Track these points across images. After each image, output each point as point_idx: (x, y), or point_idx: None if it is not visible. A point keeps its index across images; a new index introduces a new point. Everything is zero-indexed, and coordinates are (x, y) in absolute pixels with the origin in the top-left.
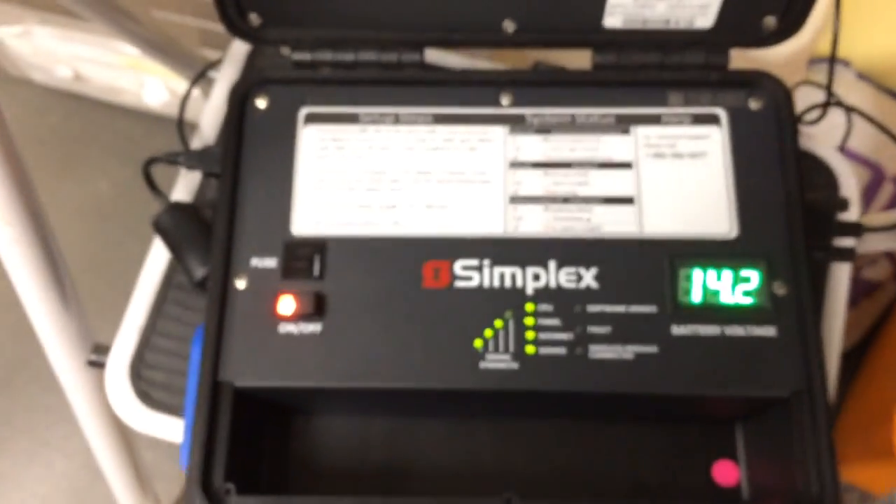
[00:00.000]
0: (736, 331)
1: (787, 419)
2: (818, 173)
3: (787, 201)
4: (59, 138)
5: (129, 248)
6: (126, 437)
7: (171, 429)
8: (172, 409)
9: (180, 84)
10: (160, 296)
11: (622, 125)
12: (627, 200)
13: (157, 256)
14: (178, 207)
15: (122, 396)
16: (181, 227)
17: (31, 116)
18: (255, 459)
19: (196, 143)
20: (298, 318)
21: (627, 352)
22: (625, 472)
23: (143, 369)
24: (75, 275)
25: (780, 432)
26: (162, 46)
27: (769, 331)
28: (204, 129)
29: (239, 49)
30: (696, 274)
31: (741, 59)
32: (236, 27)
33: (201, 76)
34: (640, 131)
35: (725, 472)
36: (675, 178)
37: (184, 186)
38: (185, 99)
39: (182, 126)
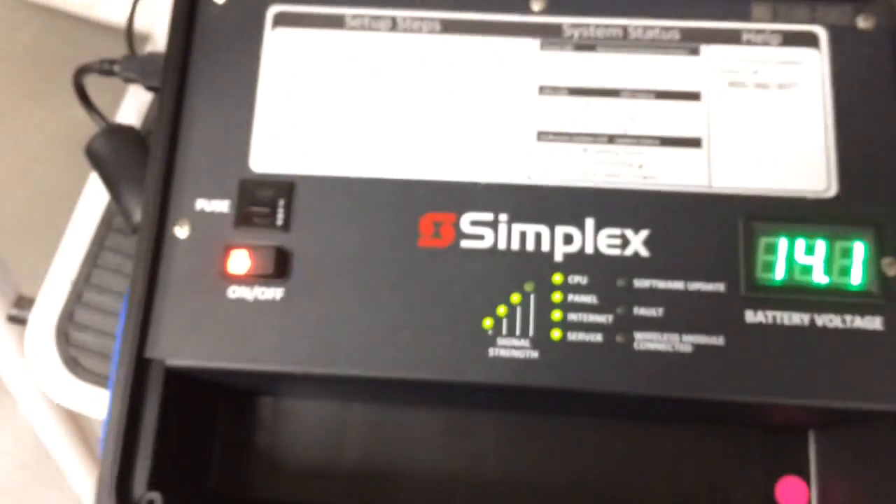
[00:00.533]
0: (830, 321)
1: (890, 436)
2: None
3: None
4: (34, 58)
5: None
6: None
7: (104, 405)
8: (106, 382)
9: None
10: (96, 241)
11: (689, 43)
12: (693, 143)
13: (94, 193)
14: (115, 131)
15: (46, 362)
16: (119, 157)
17: (2, 33)
18: (199, 458)
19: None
20: (254, 279)
21: (685, 343)
22: (665, 486)
23: (71, 330)
24: (45, 209)
25: (873, 450)
26: None
27: (874, 322)
28: (159, 34)
29: None
30: (781, 244)
31: None
32: None
33: None
34: (713, 52)
35: (792, 493)
36: (757, 115)
37: (131, 106)
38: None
39: (132, 21)
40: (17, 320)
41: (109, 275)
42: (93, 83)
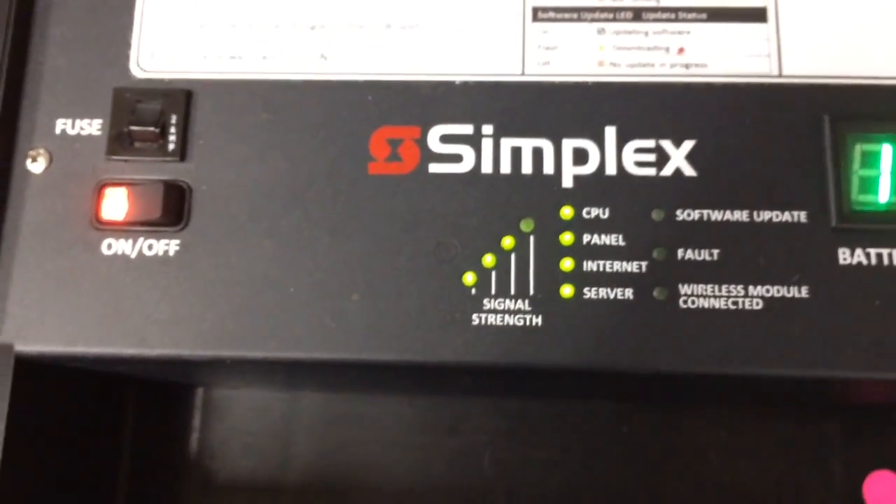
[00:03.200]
0: None
1: None
2: None
3: None
4: None
5: None
6: None
7: None
8: None
9: None
10: None
11: None
12: (755, 14)
13: None
14: None
15: None
16: None
17: None
18: (94, 472)
19: None
20: (138, 228)
21: (752, 298)
22: (716, 482)
23: None
24: None
25: None
26: None
27: None
28: None
29: None
30: (885, 152)
31: None
32: None
33: None
34: None
35: (884, 489)
36: None
37: None
38: None
39: None
40: None
41: None
42: None
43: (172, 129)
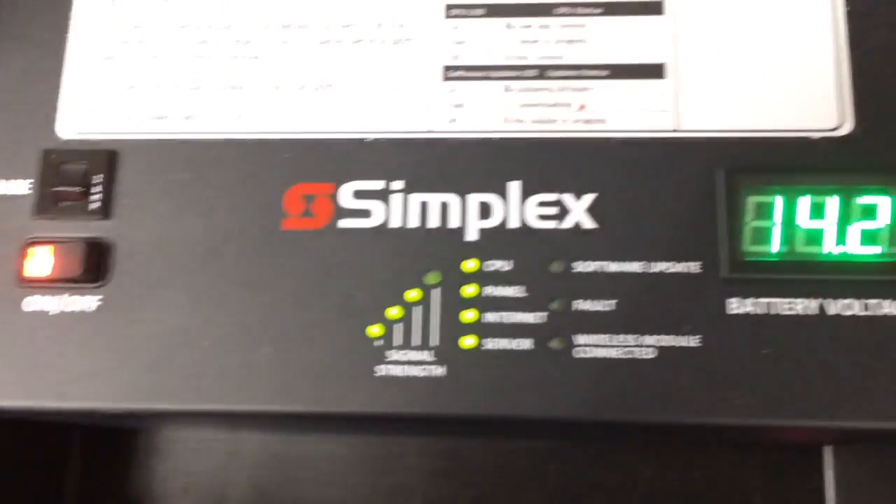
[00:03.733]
0: (848, 307)
1: None
2: None
3: None
4: None
5: None
6: None
7: None
8: None
9: None
10: None
11: None
12: (653, 71)
13: None
14: None
15: None
16: None
17: None
18: None
19: None
20: (61, 285)
21: (645, 347)
22: None
23: None
24: None
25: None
26: None
27: None
28: None
29: None
30: (777, 204)
31: None
32: None
33: None
34: None
35: None
36: (740, 30)
37: None
38: None
39: None
40: None
41: None
42: None
43: (98, 189)
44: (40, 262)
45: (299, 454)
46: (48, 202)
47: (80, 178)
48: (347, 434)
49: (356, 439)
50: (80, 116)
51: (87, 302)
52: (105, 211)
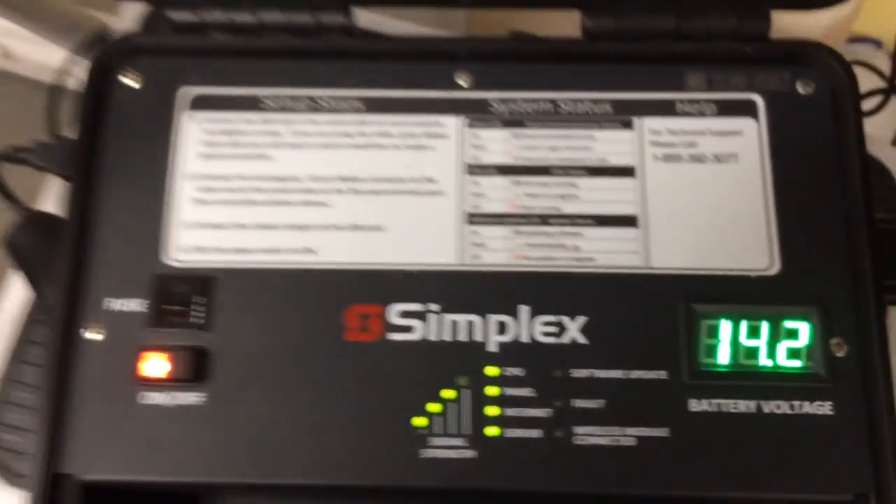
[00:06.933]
0: (778, 407)
1: None
2: (882, 185)
3: (848, 224)
4: None
5: None
6: None
7: None
8: None
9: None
10: (23, 338)
11: (622, 116)
12: (629, 221)
13: (18, 288)
14: (36, 222)
15: None
16: (40, 250)
17: None
18: None
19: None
20: (172, 384)
21: (627, 436)
22: None
23: (1, 433)
24: None
25: None
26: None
27: (824, 408)
28: None
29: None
30: (724, 326)
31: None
32: None
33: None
34: (647, 124)
35: None
36: (694, 190)
37: (57, 191)
38: (62, 76)
39: (54, 107)
40: None
41: (37, 371)
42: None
43: (198, 307)
44: (154, 365)
45: None
46: (159, 317)
47: (184, 298)
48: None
49: None
50: (184, 248)
51: (193, 397)
52: (206, 325)
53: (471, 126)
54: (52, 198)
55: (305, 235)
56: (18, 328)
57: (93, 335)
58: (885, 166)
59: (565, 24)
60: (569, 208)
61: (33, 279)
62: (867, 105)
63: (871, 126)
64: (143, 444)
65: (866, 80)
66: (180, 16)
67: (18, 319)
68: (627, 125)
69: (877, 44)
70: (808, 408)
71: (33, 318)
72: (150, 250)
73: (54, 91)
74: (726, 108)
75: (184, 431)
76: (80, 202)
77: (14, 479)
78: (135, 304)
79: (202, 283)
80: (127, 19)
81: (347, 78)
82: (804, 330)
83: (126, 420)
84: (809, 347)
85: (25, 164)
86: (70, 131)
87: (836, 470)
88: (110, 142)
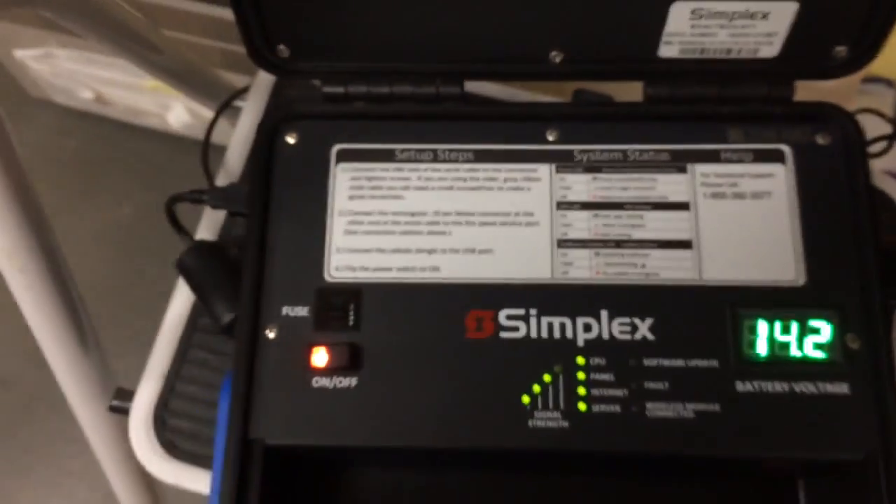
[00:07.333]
0: (806, 388)
1: (861, 482)
2: (888, 212)
3: (858, 245)
4: (80, 161)
5: (150, 276)
6: (149, 480)
7: (198, 480)
8: (199, 460)
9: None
10: (185, 340)
11: (678, 163)
12: (685, 244)
13: (182, 298)
14: (202, 247)
15: (147, 446)
16: (206, 269)
17: (51, 138)
18: None
19: (222, 178)
20: (333, 371)
21: (687, 410)
22: None
23: (168, 417)
24: (95, 303)
25: (852, 495)
26: (184, 75)
27: (842, 388)
28: (230, 162)
29: (266, 77)
30: (761, 325)
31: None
32: (264, 59)
33: (226, 106)
34: (698, 169)
35: None
36: (736, 220)
37: (208, 223)
38: (210, 131)
39: (207, 158)
40: (117, 410)
41: (198, 368)
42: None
43: (351, 313)
44: (320, 357)
45: (449, 487)
46: (321, 320)
47: (340, 306)
48: (486, 470)
49: (488, 474)
50: (338, 267)
51: (350, 381)
52: (357, 326)
53: (559, 171)
54: (207, 228)
55: (432, 257)
56: (182, 331)
57: (272, 334)
58: (892, 197)
59: (622, 84)
60: (637, 235)
61: (199, 292)
62: (877, 147)
63: (882, 162)
64: (313, 416)
65: (876, 125)
66: (331, 88)
67: (182, 324)
68: (682, 170)
69: (888, 83)
70: (830, 388)
71: (193, 324)
72: (314, 269)
73: (206, 144)
74: (761, 156)
75: (343, 407)
76: (260, 233)
77: (180, 454)
78: (303, 311)
79: (353, 294)
80: (266, 80)
81: (462, 135)
82: (826, 328)
83: (300, 399)
84: (830, 342)
85: (203, 204)
86: (224, 178)
87: (851, 435)
88: (276, 186)
